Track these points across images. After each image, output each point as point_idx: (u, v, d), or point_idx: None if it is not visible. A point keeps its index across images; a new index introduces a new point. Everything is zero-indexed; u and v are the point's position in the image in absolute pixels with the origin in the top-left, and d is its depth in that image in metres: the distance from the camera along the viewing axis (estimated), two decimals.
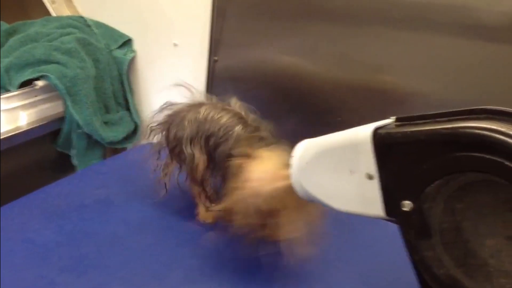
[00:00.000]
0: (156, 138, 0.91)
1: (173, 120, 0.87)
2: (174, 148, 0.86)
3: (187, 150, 0.83)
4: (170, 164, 0.89)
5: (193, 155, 0.83)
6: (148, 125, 0.92)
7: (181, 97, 0.90)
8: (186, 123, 0.84)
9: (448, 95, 0.93)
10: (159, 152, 0.90)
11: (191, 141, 0.83)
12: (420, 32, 0.94)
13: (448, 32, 0.91)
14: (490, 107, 0.47)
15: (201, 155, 0.83)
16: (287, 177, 0.63)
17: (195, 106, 0.86)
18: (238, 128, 0.81)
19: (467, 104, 0.50)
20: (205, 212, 0.91)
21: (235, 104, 0.86)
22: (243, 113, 0.84)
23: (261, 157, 0.73)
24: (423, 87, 0.96)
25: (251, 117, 0.84)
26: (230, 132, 0.81)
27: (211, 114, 0.83)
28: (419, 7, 0.92)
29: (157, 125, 0.90)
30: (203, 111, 0.84)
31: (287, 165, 0.63)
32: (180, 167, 0.88)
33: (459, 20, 0.89)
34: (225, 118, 0.82)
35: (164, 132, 0.89)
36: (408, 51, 0.96)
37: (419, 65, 0.96)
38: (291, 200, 0.67)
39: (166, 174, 0.89)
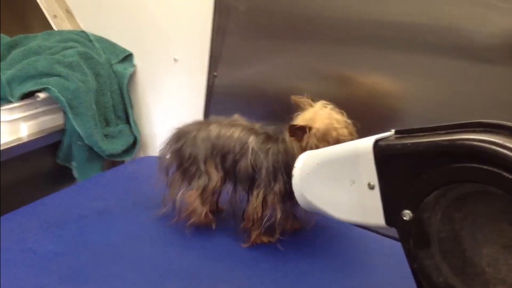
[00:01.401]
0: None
1: (185, 139, 0.88)
2: (188, 167, 0.87)
3: (203, 168, 0.85)
4: (179, 181, 0.89)
5: (210, 173, 0.85)
6: (160, 150, 0.92)
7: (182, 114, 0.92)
8: (199, 142, 0.85)
9: (440, 112, 0.96)
10: (167, 169, 0.91)
11: (206, 160, 0.85)
12: (411, 53, 0.96)
13: (440, 53, 0.94)
14: (487, 120, 0.49)
15: (218, 173, 0.85)
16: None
17: (203, 125, 0.88)
18: (251, 140, 0.83)
19: (458, 121, 0.52)
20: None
21: (239, 118, 0.89)
22: (249, 124, 0.86)
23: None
24: (416, 105, 0.99)
25: (258, 126, 0.87)
26: (246, 146, 0.83)
27: (222, 132, 0.85)
28: (410, 28, 0.95)
29: (168, 144, 0.91)
30: (213, 129, 0.86)
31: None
32: (189, 184, 0.88)
33: (449, 41, 0.92)
34: (236, 133, 0.84)
35: (176, 151, 0.89)
36: (401, 71, 0.99)
37: (411, 84, 0.98)
38: None
39: (174, 190, 0.90)
